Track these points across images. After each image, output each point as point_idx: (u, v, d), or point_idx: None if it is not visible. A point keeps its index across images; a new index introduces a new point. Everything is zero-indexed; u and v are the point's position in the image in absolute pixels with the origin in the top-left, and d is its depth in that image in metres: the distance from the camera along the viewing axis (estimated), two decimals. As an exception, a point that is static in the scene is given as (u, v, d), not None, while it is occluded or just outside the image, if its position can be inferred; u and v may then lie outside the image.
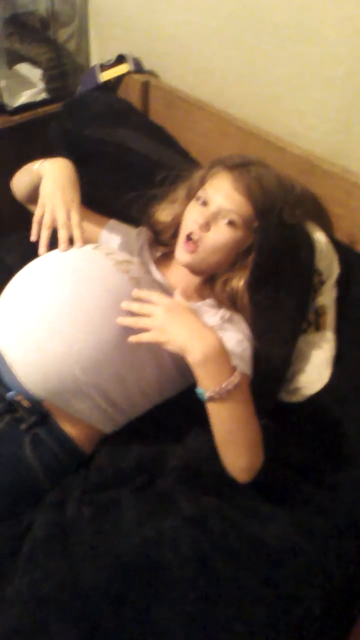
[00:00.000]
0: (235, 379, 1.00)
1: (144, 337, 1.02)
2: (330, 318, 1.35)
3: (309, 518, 1.08)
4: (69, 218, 1.18)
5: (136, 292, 1.07)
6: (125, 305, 1.06)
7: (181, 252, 1.24)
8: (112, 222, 1.43)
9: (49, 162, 1.26)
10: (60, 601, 0.95)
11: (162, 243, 1.36)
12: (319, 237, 1.36)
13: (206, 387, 1.00)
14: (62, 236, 1.16)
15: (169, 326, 1.01)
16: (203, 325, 1.02)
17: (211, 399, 1.00)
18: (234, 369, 1.02)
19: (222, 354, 1.01)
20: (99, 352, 1.07)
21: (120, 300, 1.09)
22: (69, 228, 1.17)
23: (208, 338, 1.00)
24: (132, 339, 1.03)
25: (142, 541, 1.03)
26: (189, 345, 0.99)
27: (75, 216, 1.18)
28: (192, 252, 1.22)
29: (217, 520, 1.07)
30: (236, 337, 1.20)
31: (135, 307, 1.05)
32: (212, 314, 1.25)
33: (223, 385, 0.99)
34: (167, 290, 1.25)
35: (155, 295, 1.06)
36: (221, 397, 1.00)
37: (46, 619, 0.94)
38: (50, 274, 1.13)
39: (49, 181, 1.22)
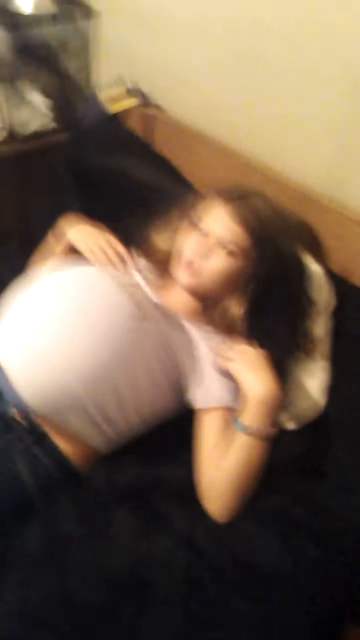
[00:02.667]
0: (274, 430, 1.14)
1: (226, 364, 1.19)
2: (325, 348, 1.37)
3: (299, 543, 1.09)
4: (110, 244, 1.35)
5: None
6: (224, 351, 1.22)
7: (183, 275, 1.26)
8: None
9: (63, 225, 1.42)
10: (52, 616, 0.96)
11: (159, 269, 1.39)
12: (315, 269, 1.39)
13: (249, 422, 1.12)
14: (112, 257, 1.32)
15: (247, 365, 1.17)
16: (273, 375, 1.15)
17: (248, 432, 1.11)
18: (276, 426, 1.16)
19: (276, 405, 1.14)
20: (99, 368, 1.09)
21: (122, 321, 1.13)
22: (115, 250, 1.35)
23: (271, 387, 1.13)
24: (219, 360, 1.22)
25: (134, 560, 1.04)
26: (253, 384, 1.14)
27: (112, 239, 1.37)
28: (193, 274, 1.25)
29: (210, 542, 1.08)
30: (227, 370, 1.22)
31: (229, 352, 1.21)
32: (207, 344, 1.26)
33: (263, 427, 1.12)
34: (167, 314, 1.27)
35: (245, 347, 1.22)
36: (256, 435, 1.11)
37: (37, 633, 0.94)
38: (55, 290, 1.16)
39: (76, 234, 1.38)
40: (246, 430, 1.11)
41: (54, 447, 1.18)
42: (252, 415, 1.12)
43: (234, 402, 1.20)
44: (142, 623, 0.96)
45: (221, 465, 1.13)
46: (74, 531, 1.10)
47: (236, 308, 1.28)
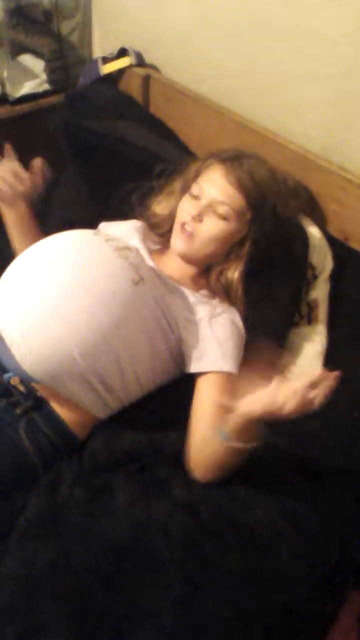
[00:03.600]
0: (256, 444, 1.05)
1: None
2: (322, 312, 1.37)
3: (294, 506, 1.09)
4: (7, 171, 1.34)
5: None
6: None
7: (177, 241, 1.27)
8: (102, 225, 1.46)
9: None
10: (51, 580, 0.97)
11: (157, 235, 1.38)
12: (313, 231, 1.38)
13: (233, 436, 1.03)
14: (12, 182, 1.33)
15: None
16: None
17: (230, 444, 1.04)
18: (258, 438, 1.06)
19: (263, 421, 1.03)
20: (98, 336, 1.08)
21: (119, 285, 1.12)
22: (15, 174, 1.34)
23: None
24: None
25: (133, 524, 1.04)
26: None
27: (8, 164, 1.35)
28: (188, 241, 1.25)
29: (207, 506, 1.09)
30: (224, 334, 1.23)
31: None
32: (204, 308, 1.26)
33: (247, 445, 1.04)
34: (164, 279, 1.27)
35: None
36: (237, 449, 1.05)
37: (36, 596, 0.96)
38: (52, 257, 1.15)
39: None
40: (229, 442, 1.05)
41: (53, 414, 1.19)
42: (236, 431, 1.04)
43: (230, 367, 1.20)
44: (140, 586, 0.98)
45: (205, 444, 1.11)
46: (73, 496, 1.11)
47: (233, 272, 1.27)
